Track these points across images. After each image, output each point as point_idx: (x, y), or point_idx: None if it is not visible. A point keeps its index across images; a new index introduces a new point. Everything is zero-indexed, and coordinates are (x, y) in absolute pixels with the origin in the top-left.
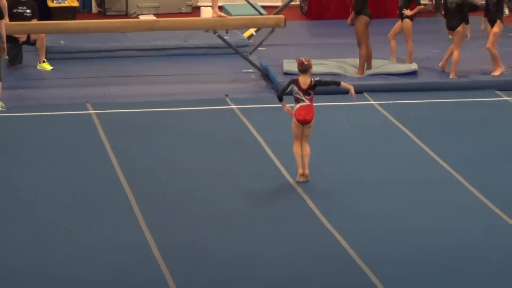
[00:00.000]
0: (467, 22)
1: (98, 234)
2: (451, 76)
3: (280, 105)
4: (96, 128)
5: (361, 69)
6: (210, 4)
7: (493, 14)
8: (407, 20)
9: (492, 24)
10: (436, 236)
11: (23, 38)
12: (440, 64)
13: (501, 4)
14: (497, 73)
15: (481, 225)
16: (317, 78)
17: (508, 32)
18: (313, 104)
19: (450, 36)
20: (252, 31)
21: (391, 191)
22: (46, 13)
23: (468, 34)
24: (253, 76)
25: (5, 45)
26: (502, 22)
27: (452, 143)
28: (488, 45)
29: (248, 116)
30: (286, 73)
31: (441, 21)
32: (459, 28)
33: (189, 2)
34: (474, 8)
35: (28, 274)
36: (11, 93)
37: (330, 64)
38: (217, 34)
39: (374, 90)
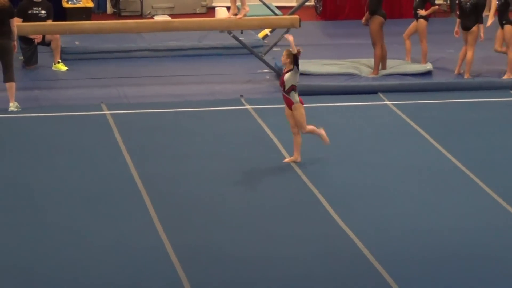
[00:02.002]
0: (481, 22)
1: (113, 236)
2: (465, 77)
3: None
4: (111, 129)
5: (375, 69)
6: (225, 4)
7: (500, 16)
8: (421, 20)
9: (502, 26)
10: (451, 237)
11: (38, 39)
12: (456, 72)
13: (506, 5)
14: (507, 76)
15: (496, 225)
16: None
17: None
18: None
19: (457, 36)
20: (267, 31)
21: (405, 191)
22: (61, 13)
23: (482, 35)
24: (268, 77)
25: (15, 42)
26: (508, 23)
27: (466, 143)
28: (496, 47)
29: (263, 117)
30: (301, 73)
31: (456, 21)
32: (474, 28)
33: (203, 3)
34: None
35: (42, 276)
36: (26, 94)
37: (345, 64)
38: (231, 35)
39: (388, 90)
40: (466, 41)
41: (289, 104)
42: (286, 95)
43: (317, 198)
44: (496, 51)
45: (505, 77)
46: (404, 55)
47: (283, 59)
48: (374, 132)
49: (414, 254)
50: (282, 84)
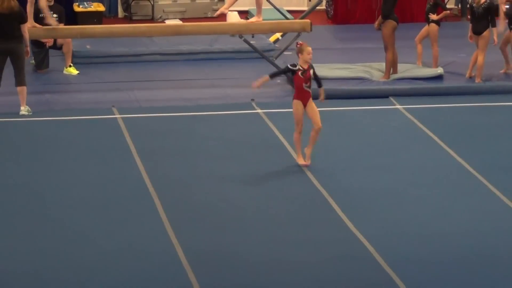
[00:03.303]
0: (494, 25)
1: (124, 239)
2: (476, 81)
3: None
4: (122, 133)
5: (387, 73)
6: (236, 8)
7: (510, 20)
8: (433, 25)
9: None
10: (462, 240)
11: (49, 42)
12: (467, 76)
13: None
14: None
15: (507, 228)
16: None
17: None
18: (295, 90)
19: (471, 41)
20: (278, 35)
21: (416, 195)
22: (72, 17)
23: (495, 39)
24: (279, 81)
25: (28, 48)
26: None
27: (478, 147)
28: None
29: (274, 121)
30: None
31: (467, 25)
32: (485, 33)
33: (215, 7)
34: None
35: (53, 280)
36: (37, 98)
37: (356, 69)
38: (243, 39)
39: (400, 94)
40: (477, 45)
41: (308, 98)
42: (308, 89)
43: (328, 202)
44: (501, 49)
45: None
46: (415, 59)
47: (311, 58)
48: (385, 136)
49: (425, 258)
50: (309, 80)
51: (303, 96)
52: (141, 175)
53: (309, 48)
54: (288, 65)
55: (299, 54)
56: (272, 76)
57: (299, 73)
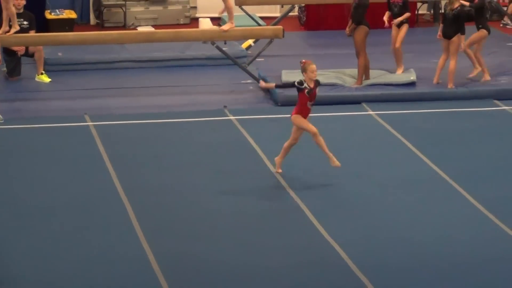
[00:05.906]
0: (462, 33)
1: (96, 246)
2: (449, 86)
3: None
4: (94, 140)
5: (359, 79)
6: (208, 15)
7: (476, 20)
8: (405, 25)
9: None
10: (435, 247)
11: (21, 51)
12: (434, 82)
13: (482, 11)
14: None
15: (481, 235)
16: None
17: (507, 41)
18: (298, 106)
19: (439, 38)
20: (250, 42)
21: (389, 202)
22: (44, 25)
23: (462, 45)
24: (251, 87)
25: (0, 56)
26: (483, 28)
27: (450, 153)
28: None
29: (246, 127)
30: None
31: (439, 27)
32: (455, 38)
33: (187, 14)
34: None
35: (23, 286)
36: (9, 105)
37: (329, 75)
38: (215, 45)
39: (372, 100)
40: (445, 50)
41: (308, 115)
42: (311, 107)
43: (301, 208)
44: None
45: (485, 78)
46: (386, 65)
47: (316, 75)
48: (358, 142)
49: (397, 264)
50: (314, 98)
51: (305, 112)
52: (113, 182)
53: (313, 66)
54: (296, 82)
55: (303, 73)
56: (278, 87)
57: (305, 91)
